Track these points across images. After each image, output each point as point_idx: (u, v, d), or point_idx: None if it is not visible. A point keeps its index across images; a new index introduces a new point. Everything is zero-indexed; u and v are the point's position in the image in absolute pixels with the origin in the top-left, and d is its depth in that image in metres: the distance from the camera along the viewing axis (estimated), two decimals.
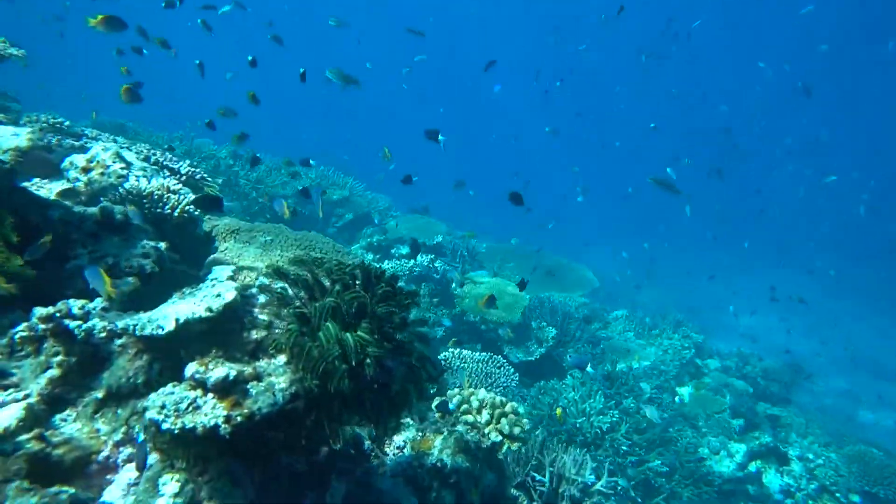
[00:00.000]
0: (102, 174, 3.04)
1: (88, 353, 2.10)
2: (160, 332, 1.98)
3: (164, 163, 3.95)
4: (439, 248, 8.64)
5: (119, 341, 2.14)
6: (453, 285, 6.40)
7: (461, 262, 8.17)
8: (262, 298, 2.24)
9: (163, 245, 2.84)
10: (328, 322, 1.85)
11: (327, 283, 1.98)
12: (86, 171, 3.08)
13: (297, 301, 1.99)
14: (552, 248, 11.86)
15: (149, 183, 2.96)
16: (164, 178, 3.34)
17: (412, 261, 7.21)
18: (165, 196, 2.97)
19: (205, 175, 4.27)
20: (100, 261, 2.51)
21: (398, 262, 7.51)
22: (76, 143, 4.02)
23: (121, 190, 2.90)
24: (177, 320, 1.99)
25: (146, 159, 3.64)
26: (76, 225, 2.53)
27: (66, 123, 4.53)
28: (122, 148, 3.49)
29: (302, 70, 5.37)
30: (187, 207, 3.02)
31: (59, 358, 2.05)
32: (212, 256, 3.61)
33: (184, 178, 4.01)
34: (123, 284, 2.47)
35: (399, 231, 8.90)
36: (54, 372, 2.04)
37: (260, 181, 8.96)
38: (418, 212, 11.96)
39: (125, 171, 3.10)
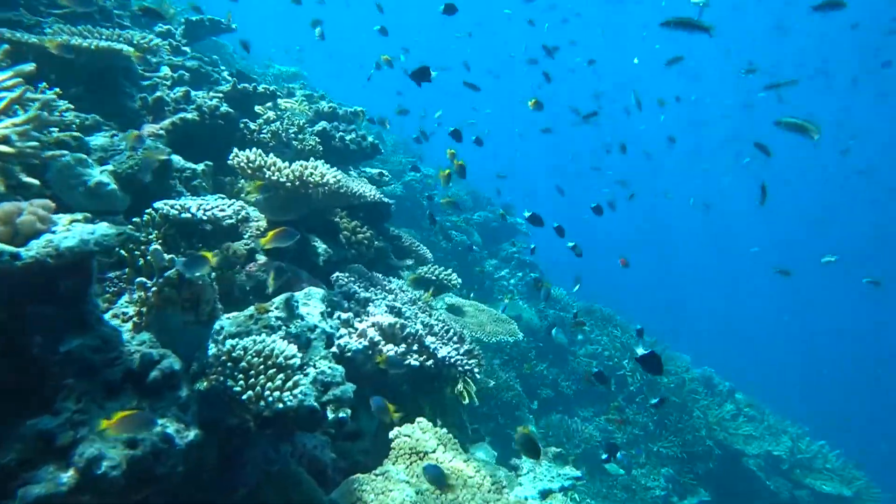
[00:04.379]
0: (256, 321, 2.33)
1: None
2: None
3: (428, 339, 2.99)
4: None
5: None
6: None
7: None
8: None
9: (191, 435, 1.82)
10: None
11: None
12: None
13: None
14: None
15: (259, 347, 2.05)
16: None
17: None
18: (258, 370, 1.98)
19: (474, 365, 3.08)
20: (71, 428, 1.67)
21: None
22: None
23: (215, 349, 2.08)
24: None
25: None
26: (93, 369, 1.80)
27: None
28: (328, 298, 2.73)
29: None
30: (278, 403, 1.92)
31: None
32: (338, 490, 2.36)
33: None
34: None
35: None
36: None
37: None
38: None
39: (278, 323, 2.30)
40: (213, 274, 2.61)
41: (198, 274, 2.42)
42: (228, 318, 2.34)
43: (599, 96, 14.43)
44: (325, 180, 3.00)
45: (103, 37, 3.46)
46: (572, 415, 8.83)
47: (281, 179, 2.92)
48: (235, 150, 2.98)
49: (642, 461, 8.92)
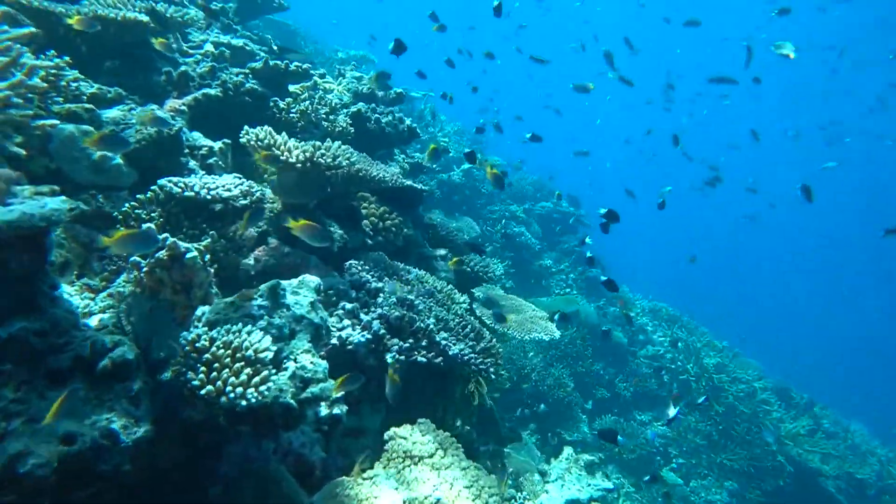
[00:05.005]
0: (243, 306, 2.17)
1: None
2: None
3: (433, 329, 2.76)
4: None
5: None
6: None
7: None
8: None
9: (140, 431, 1.68)
10: None
11: None
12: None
13: None
14: None
15: (229, 338, 1.88)
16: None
17: None
18: (223, 363, 1.81)
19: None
20: (4, 419, 1.56)
21: None
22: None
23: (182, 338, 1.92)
24: None
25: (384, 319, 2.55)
26: (37, 355, 1.67)
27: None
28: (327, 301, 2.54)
29: None
30: (241, 400, 1.75)
31: None
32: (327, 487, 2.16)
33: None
34: None
35: None
36: None
37: None
38: None
39: (260, 312, 2.13)
40: (208, 257, 2.50)
41: (189, 256, 2.30)
42: (211, 306, 2.19)
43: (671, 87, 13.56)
44: (336, 162, 2.81)
45: (136, 8, 3.40)
46: (629, 418, 8.35)
47: (290, 160, 2.75)
48: (246, 127, 2.84)
49: (703, 472, 8.35)
